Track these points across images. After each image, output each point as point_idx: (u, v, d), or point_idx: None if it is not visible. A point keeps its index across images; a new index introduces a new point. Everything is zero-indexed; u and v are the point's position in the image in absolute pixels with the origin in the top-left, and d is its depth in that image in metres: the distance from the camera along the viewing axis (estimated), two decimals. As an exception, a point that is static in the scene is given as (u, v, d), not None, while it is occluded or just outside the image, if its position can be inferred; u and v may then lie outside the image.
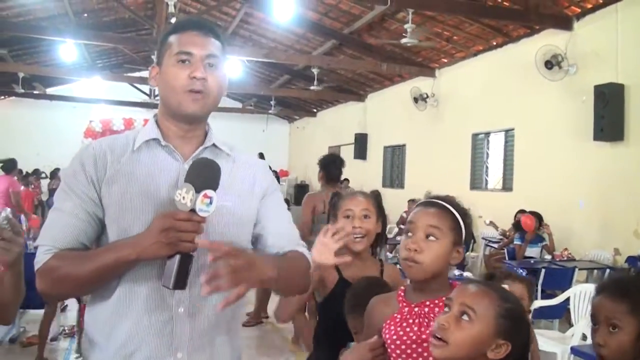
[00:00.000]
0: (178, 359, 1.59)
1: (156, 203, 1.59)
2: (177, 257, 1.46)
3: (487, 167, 11.21)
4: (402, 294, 1.81)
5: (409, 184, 13.79)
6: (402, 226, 11.57)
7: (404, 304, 1.77)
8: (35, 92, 16.83)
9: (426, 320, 1.69)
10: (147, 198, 1.60)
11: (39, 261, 1.57)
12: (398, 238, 10.15)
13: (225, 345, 1.70)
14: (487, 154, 11.19)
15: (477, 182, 11.27)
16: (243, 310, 1.79)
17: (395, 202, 13.17)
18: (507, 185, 10.38)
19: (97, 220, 1.63)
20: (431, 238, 1.73)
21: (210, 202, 1.46)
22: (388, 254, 7.41)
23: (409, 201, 12.27)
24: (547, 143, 9.01)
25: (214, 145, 1.74)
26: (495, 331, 1.49)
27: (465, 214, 1.81)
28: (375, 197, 2.52)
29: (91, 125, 19.95)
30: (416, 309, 1.73)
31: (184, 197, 1.45)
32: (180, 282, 1.47)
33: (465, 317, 1.49)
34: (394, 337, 1.72)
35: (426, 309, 1.72)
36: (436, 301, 1.71)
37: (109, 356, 1.61)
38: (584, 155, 8.20)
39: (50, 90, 17.92)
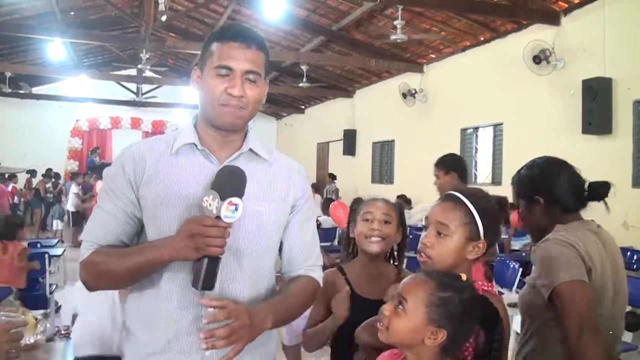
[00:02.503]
0: (206, 357, 1.63)
1: (191, 205, 1.63)
2: (205, 260, 1.51)
3: (476, 162, 11.28)
4: None
5: (399, 180, 13.84)
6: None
7: None
8: (21, 91, 16.72)
9: None
10: (183, 200, 1.65)
11: (82, 255, 1.69)
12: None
13: (257, 345, 1.68)
14: (476, 148, 11.26)
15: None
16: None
17: (385, 198, 13.23)
18: (496, 180, 10.45)
19: (136, 219, 1.71)
20: (441, 235, 1.77)
21: (236, 209, 1.50)
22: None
23: (398, 197, 12.33)
24: (536, 137, 9.07)
25: (250, 150, 1.76)
26: (426, 320, 1.56)
27: (485, 207, 1.79)
28: (399, 207, 2.40)
29: (78, 124, 19.92)
30: None
31: (210, 204, 1.50)
32: (208, 284, 1.52)
33: (400, 307, 1.59)
34: None
35: None
36: None
37: (143, 348, 1.67)
38: (573, 148, 8.25)
39: (36, 90, 17.80)
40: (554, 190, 2.24)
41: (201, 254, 1.51)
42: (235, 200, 1.49)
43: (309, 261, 1.85)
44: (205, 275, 1.51)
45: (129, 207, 1.69)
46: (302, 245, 1.84)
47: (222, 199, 1.48)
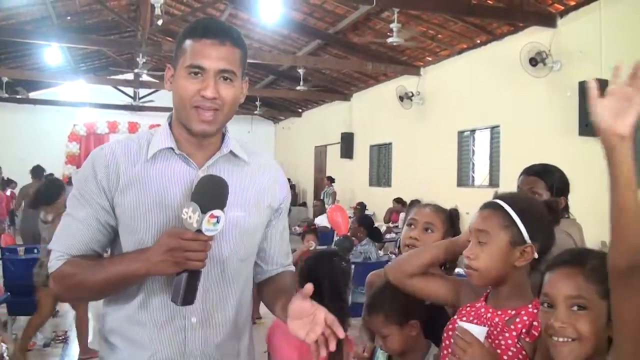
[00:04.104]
0: None
1: (171, 213, 1.56)
2: (185, 274, 1.44)
3: (473, 164, 11.28)
4: (490, 291, 1.79)
5: (396, 182, 13.84)
6: (389, 224, 11.63)
7: (483, 301, 1.77)
8: (18, 96, 16.70)
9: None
10: (161, 208, 1.57)
11: (52, 266, 1.60)
12: (387, 236, 10.19)
13: (236, 354, 1.72)
14: (473, 151, 11.26)
15: (463, 179, 11.34)
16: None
17: (382, 201, 13.24)
18: (493, 182, 10.44)
19: (109, 227, 1.62)
20: (482, 243, 1.69)
21: (218, 221, 1.42)
22: (380, 252, 7.44)
23: (394, 200, 12.38)
24: (533, 139, 9.08)
25: (230, 152, 1.68)
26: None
27: (525, 208, 1.70)
28: (449, 214, 2.30)
29: (75, 129, 19.89)
30: (482, 310, 1.73)
31: (190, 217, 1.40)
32: (189, 299, 1.46)
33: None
34: (449, 324, 1.77)
35: (488, 315, 1.70)
36: (499, 312, 1.68)
37: (123, 359, 1.63)
38: (570, 150, 8.27)
39: (33, 95, 17.80)
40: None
41: (181, 268, 1.44)
42: (217, 212, 1.41)
43: (288, 260, 1.89)
44: (186, 290, 1.44)
45: (102, 215, 1.59)
46: (284, 246, 1.87)
47: (203, 211, 1.39)
